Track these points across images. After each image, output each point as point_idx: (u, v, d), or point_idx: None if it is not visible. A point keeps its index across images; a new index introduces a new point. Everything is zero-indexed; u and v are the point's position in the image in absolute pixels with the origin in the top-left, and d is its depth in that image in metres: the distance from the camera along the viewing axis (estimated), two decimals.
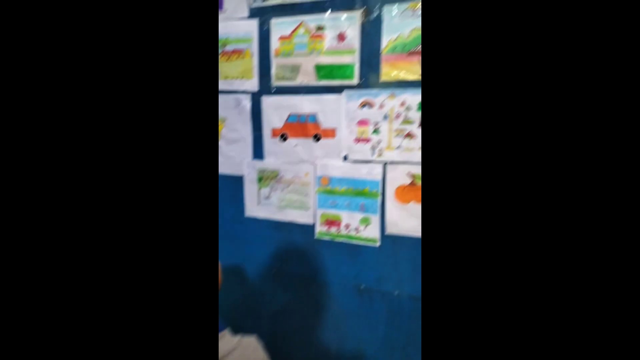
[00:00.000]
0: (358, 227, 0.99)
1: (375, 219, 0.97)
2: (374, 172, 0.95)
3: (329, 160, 0.99)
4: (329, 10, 0.90)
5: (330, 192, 1.01)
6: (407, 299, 0.97)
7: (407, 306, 0.98)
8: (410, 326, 0.98)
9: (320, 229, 1.04)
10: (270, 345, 1.13)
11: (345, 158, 0.98)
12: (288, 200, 1.06)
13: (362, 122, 0.94)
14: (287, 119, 1.02)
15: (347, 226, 1.01)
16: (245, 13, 0.99)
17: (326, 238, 1.04)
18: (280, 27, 0.96)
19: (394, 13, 0.85)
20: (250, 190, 1.10)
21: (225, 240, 1.16)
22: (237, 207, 1.12)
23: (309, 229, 1.05)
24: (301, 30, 0.94)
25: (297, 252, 1.08)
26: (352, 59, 0.91)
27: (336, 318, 1.07)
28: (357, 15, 0.88)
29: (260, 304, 1.17)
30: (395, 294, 0.99)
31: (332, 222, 1.02)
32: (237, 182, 1.11)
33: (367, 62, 0.90)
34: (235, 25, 1.01)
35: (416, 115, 0.88)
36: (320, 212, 1.03)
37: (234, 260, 1.17)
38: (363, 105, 0.92)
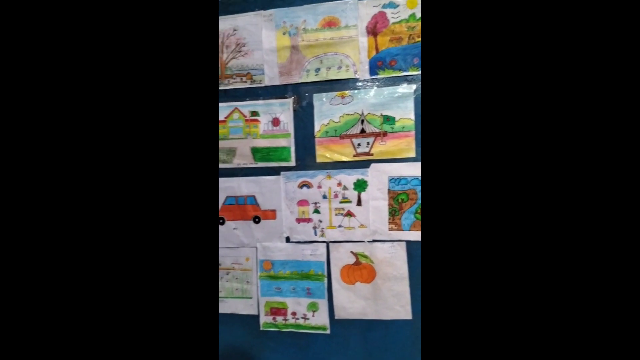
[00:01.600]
0: (306, 314, 0.92)
1: (323, 304, 0.91)
2: (317, 253, 0.92)
3: (270, 243, 0.95)
4: (262, 97, 0.93)
5: (274, 277, 0.94)
6: None
7: None
8: None
9: (265, 320, 0.95)
10: None
11: (287, 239, 0.94)
12: (228, 289, 0.97)
13: (302, 202, 0.92)
14: (224, 202, 0.97)
15: (294, 314, 0.93)
16: None
17: (272, 329, 0.94)
18: None
19: (324, 100, 0.90)
20: None
21: None
22: None
23: (253, 320, 0.95)
24: (235, 115, 0.95)
25: (241, 348, 0.96)
26: (288, 142, 0.92)
27: None
28: (289, 102, 0.92)
29: None
30: None
31: (277, 310, 0.94)
32: None
33: (303, 145, 0.92)
34: None
35: (353, 195, 0.89)
36: (264, 300, 0.95)
37: None
38: (302, 185, 0.92)
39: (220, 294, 0.97)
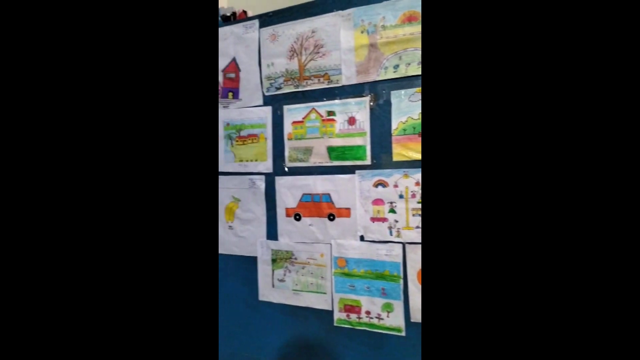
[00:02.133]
0: (380, 314, 0.92)
1: (398, 305, 0.90)
2: (393, 253, 0.90)
3: (345, 240, 0.96)
4: (339, 97, 0.94)
5: (349, 275, 0.95)
6: None
7: None
8: None
9: (339, 316, 0.96)
10: None
11: (362, 238, 0.94)
12: (303, 283, 1.01)
13: (377, 201, 0.91)
14: (300, 199, 1.01)
15: (368, 313, 0.93)
16: (260, 101, 1.04)
17: (346, 326, 0.95)
18: (292, 113, 1.00)
19: (402, 97, 0.88)
20: (264, 272, 1.06)
21: (238, 327, 1.09)
22: (251, 291, 1.07)
23: (327, 315, 0.98)
24: (312, 115, 0.98)
25: (314, 342, 0.99)
26: (364, 141, 0.92)
27: None
28: (366, 101, 0.91)
29: None
30: None
31: (351, 308, 0.95)
32: (250, 263, 1.07)
33: (379, 144, 0.91)
34: (250, 111, 1.06)
35: None
36: (338, 296, 0.96)
37: (247, 351, 1.08)
38: (377, 184, 0.91)
39: (295, 287, 1.02)
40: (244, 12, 1.39)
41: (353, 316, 0.95)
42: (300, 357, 1.01)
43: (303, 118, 0.99)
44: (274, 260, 1.05)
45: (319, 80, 0.96)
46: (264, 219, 1.06)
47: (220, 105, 1.10)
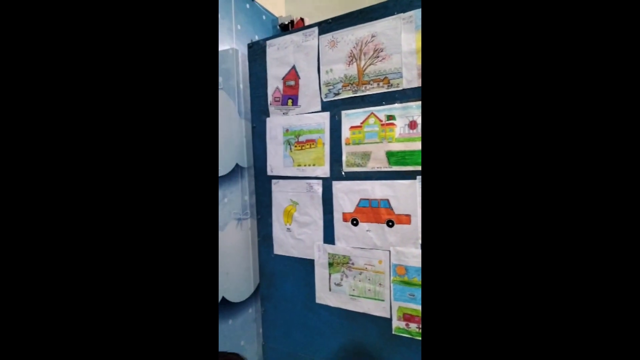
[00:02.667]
0: None
1: None
2: None
3: (404, 248, 0.93)
4: (399, 101, 0.92)
5: (408, 284, 0.93)
6: None
7: None
8: None
9: (397, 324, 0.94)
10: None
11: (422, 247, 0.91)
12: (361, 288, 1.00)
13: None
14: (358, 204, 1.01)
15: None
16: (318, 107, 1.06)
17: (405, 335, 0.93)
18: (351, 118, 1.01)
19: None
20: (321, 275, 1.07)
21: (294, 328, 1.12)
22: (308, 293, 1.09)
23: (385, 323, 0.96)
24: (371, 120, 0.97)
25: (371, 348, 0.98)
26: None
27: None
28: None
29: None
30: None
31: (411, 317, 0.92)
32: (307, 265, 1.10)
33: None
34: (308, 117, 1.08)
35: None
36: (397, 304, 0.94)
37: (304, 352, 1.10)
38: None
39: (352, 292, 1.02)
40: (302, 19, 1.43)
41: (413, 326, 0.92)
42: None
43: (361, 123, 0.99)
44: (330, 264, 1.06)
45: (378, 84, 0.95)
46: (321, 222, 1.08)
47: (280, 112, 1.14)
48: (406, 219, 0.93)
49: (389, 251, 0.96)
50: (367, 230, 0.99)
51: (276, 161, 1.15)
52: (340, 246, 1.04)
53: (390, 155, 0.95)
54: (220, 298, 1.15)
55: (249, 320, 1.27)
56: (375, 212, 0.98)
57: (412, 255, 0.92)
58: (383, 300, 0.97)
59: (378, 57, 0.94)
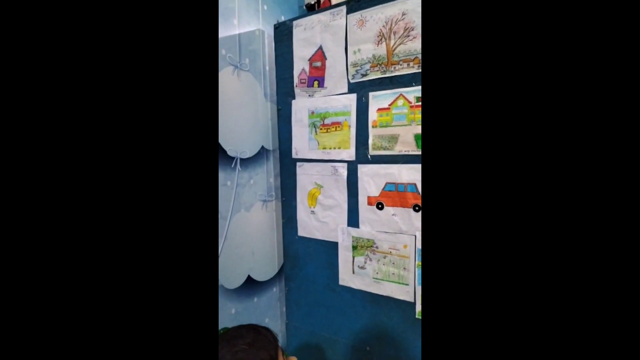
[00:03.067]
0: None
1: None
2: None
3: None
4: None
5: None
6: None
7: None
8: None
9: (420, 309, 0.94)
10: None
11: None
12: (384, 272, 1.00)
13: None
14: (383, 188, 1.00)
15: None
16: (345, 89, 1.04)
17: None
18: (378, 99, 0.98)
19: None
20: (344, 258, 1.08)
21: (317, 308, 1.14)
22: (331, 274, 1.11)
23: (408, 307, 0.96)
24: (400, 102, 0.95)
25: (395, 332, 0.99)
26: None
27: None
28: None
29: None
30: None
31: None
32: (331, 248, 1.11)
33: None
34: (334, 99, 1.07)
35: None
36: (421, 289, 0.94)
37: (326, 332, 1.13)
38: None
39: (376, 275, 1.02)
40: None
41: None
42: (379, 344, 1.02)
43: (389, 105, 0.96)
44: (354, 247, 1.06)
45: (408, 64, 0.92)
46: (345, 206, 1.07)
47: (305, 94, 1.13)
48: None
49: (415, 236, 0.95)
50: (393, 215, 0.98)
51: (301, 144, 1.15)
52: (365, 230, 1.04)
53: (418, 138, 0.92)
54: (245, 276, 1.19)
55: (273, 299, 1.30)
56: (401, 196, 0.96)
57: None
58: (407, 285, 0.97)
59: (409, 36, 0.91)
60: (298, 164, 1.17)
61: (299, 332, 1.19)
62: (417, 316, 0.95)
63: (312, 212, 1.15)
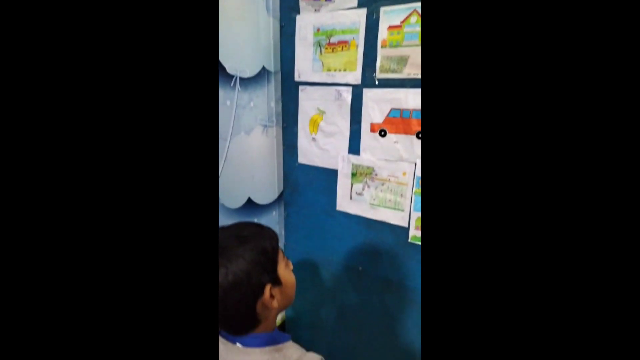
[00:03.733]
0: None
1: None
2: None
3: None
4: None
5: None
6: None
7: None
8: None
9: (414, 233, 0.98)
10: (345, 342, 1.13)
11: None
12: (381, 199, 1.02)
13: None
14: (388, 114, 0.96)
15: None
16: (354, 2, 0.95)
17: (420, 243, 0.97)
18: (390, 15, 0.90)
19: None
20: (343, 185, 1.09)
21: (315, 232, 1.19)
22: (329, 201, 1.13)
23: (402, 231, 1.00)
24: (413, 19, 0.87)
25: (387, 254, 1.04)
26: None
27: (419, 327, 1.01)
28: None
29: (342, 299, 1.18)
30: None
31: None
32: (331, 175, 1.11)
33: None
34: (342, 15, 0.98)
35: None
36: (416, 215, 0.96)
37: (322, 253, 1.19)
38: None
39: (373, 201, 1.04)
40: None
41: None
42: (371, 264, 1.08)
43: (402, 22, 0.89)
44: (353, 175, 1.07)
45: None
46: (347, 133, 1.05)
47: (311, 8, 1.03)
48: None
49: (415, 163, 0.94)
50: (395, 142, 0.97)
51: (305, 65, 1.09)
52: (365, 157, 1.03)
53: None
54: (246, 198, 1.22)
55: (272, 222, 1.35)
56: (405, 122, 0.94)
57: None
58: (402, 211, 0.99)
59: None
60: (300, 87, 1.12)
61: (296, 254, 1.26)
62: (409, 240, 0.99)
63: (313, 139, 1.13)
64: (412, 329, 1.03)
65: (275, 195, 1.33)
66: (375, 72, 0.96)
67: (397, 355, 1.08)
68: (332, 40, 1.02)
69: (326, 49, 1.04)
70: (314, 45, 1.06)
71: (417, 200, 0.95)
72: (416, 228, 0.97)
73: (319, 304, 1.24)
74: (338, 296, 1.19)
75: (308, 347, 0.64)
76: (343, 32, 0.99)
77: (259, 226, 0.66)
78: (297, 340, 0.66)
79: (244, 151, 1.17)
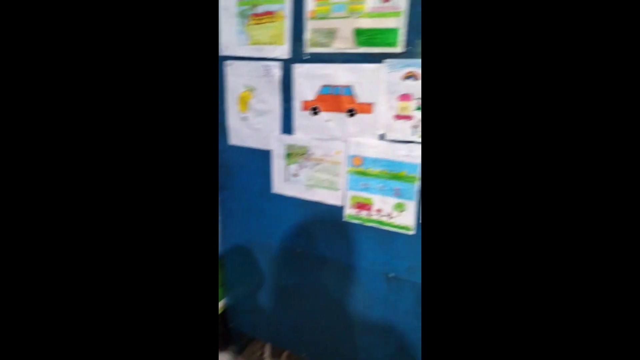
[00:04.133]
0: (391, 212, 0.92)
1: (411, 205, 0.89)
2: (413, 154, 0.86)
3: (363, 139, 0.91)
4: None
5: (363, 174, 0.93)
6: None
7: None
8: None
9: (349, 212, 0.98)
10: (288, 324, 1.13)
11: (381, 137, 0.88)
12: (317, 179, 1.00)
13: (404, 97, 0.83)
14: (319, 91, 0.93)
15: (378, 211, 0.93)
16: None
17: (355, 221, 0.98)
18: None
19: None
20: (278, 166, 1.05)
21: (251, 215, 1.14)
22: (264, 182, 1.08)
23: (338, 210, 0.99)
24: None
25: (324, 234, 1.04)
26: (397, 23, 0.78)
27: (360, 304, 1.03)
28: None
29: (282, 281, 1.16)
30: None
31: (362, 205, 0.95)
32: (264, 156, 1.06)
33: (415, 27, 0.77)
34: None
35: None
36: (350, 194, 0.96)
37: (260, 237, 1.15)
38: (407, 77, 0.81)
39: (309, 182, 1.02)
40: None
41: (363, 212, 0.96)
42: (309, 245, 1.07)
43: None
44: (288, 155, 1.03)
45: None
46: (278, 111, 1.00)
47: None
48: (367, 107, 0.88)
49: (347, 141, 0.93)
50: (327, 120, 0.94)
51: (229, 38, 1.00)
52: (299, 137, 0.99)
53: (358, 33, 0.84)
54: None
55: None
56: (336, 100, 0.91)
57: (370, 146, 0.90)
58: (338, 190, 0.98)
59: None
60: (227, 62, 1.03)
61: (233, 239, 1.21)
62: (345, 219, 0.99)
63: (244, 118, 1.06)
64: (352, 304, 1.06)
65: None
66: (304, 46, 0.91)
67: (340, 331, 1.10)
68: (258, 10, 0.94)
69: (252, 20, 0.96)
70: (238, 15, 0.97)
71: (351, 179, 0.95)
72: (351, 206, 0.97)
73: (259, 289, 1.21)
74: (278, 279, 1.17)
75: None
76: (269, 1, 0.92)
77: None
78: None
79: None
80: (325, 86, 0.92)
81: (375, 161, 0.91)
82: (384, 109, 0.86)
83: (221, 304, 1.26)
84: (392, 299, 0.98)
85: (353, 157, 0.93)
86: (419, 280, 0.92)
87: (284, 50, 0.94)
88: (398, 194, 0.90)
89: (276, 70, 0.96)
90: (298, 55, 0.92)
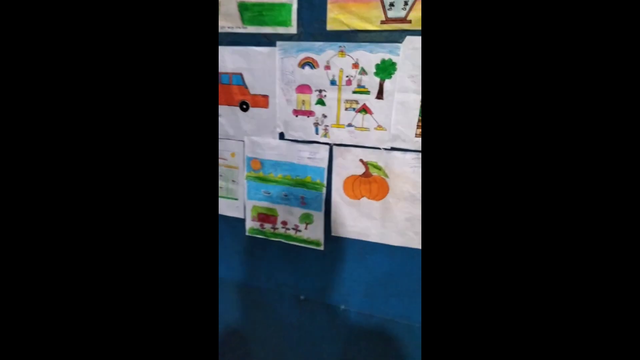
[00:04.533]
0: (298, 225, 0.78)
1: (318, 217, 0.76)
2: (317, 157, 0.72)
3: (260, 138, 0.75)
4: None
5: (264, 180, 0.78)
6: (355, 315, 0.79)
7: (355, 324, 0.80)
8: (359, 346, 0.81)
9: (251, 225, 0.82)
10: None
11: (281, 136, 0.74)
12: None
13: (303, 88, 0.69)
14: None
15: (284, 223, 0.79)
16: None
17: (259, 236, 0.82)
18: None
19: None
20: None
21: None
22: None
23: (239, 223, 0.83)
24: None
25: (224, 251, 0.87)
26: None
27: (271, 331, 0.89)
28: None
29: None
30: (342, 308, 0.80)
31: (266, 217, 0.80)
32: None
33: (309, 3, 0.63)
34: None
35: (373, 82, 0.64)
36: (251, 203, 0.81)
37: None
38: (304, 63, 0.67)
39: None
40: None
41: (267, 226, 0.81)
42: None
43: None
44: None
45: None
46: None
47: None
48: (263, 100, 0.72)
49: (243, 141, 0.77)
50: (218, 116, 0.77)
51: None
52: None
53: (243, 9, 0.67)
54: None
55: None
56: (226, 90, 0.74)
57: (269, 147, 0.75)
58: (237, 199, 0.82)
59: None
60: None
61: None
62: (247, 233, 0.83)
63: None
64: (260, 331, 0.91)
65: None
66: None
67: (255, 355, 0.95)
68: None
69: None
70: None
71: (250, 186, 0.79)
72: (252, 219, 0.81)
73: None
74: None
75: None
76: None
77: None
78: None
79: None
80: None
81: (277, 165, 0.76)
82: (282, 102, 0.71)
83: None
84: (305, 324, 0.84)
85: (251, 160, 0.78)
86: (334, 303, 0.80)
87: None
88: (304, 203, 0.76)
89: None
90: None
